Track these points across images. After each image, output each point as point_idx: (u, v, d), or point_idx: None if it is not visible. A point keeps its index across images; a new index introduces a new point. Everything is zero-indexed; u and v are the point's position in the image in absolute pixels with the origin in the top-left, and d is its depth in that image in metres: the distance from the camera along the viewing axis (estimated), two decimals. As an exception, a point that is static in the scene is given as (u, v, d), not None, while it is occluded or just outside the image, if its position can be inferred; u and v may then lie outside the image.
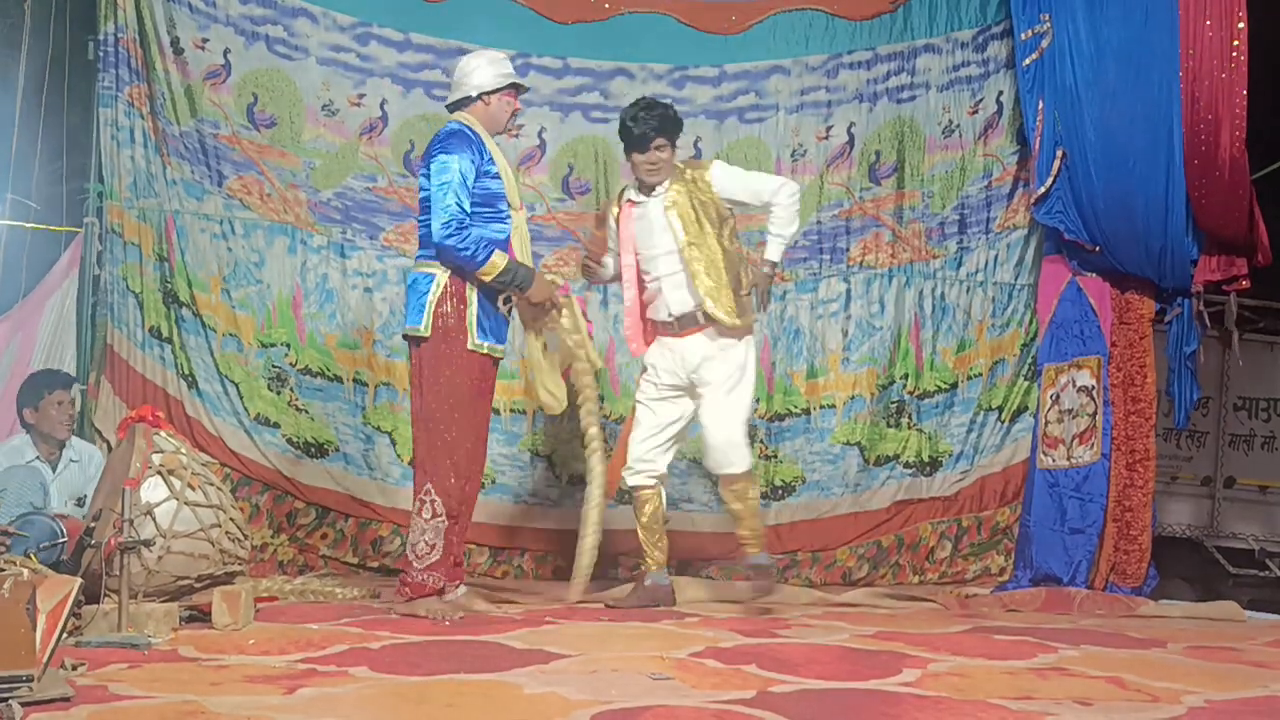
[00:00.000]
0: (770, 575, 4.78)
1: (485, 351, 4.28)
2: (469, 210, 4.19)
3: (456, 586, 4.38)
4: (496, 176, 4.31)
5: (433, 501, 4.18)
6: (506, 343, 4.46)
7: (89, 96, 5.81)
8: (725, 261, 4.69)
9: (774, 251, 4.79)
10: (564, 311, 4.56)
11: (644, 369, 4.90)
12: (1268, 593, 6.86)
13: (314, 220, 6.03)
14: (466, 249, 4.15)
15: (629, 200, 4.83)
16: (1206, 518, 7.37)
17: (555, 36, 6.36)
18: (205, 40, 5.88)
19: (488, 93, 4.35)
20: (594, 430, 4.74)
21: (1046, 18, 6.01)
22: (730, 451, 4.69)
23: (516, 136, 4.67)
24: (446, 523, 4.19)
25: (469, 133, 4.28)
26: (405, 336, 4.36)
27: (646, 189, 4.77)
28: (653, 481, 4.84)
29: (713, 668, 3.15)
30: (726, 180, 4.77)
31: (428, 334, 4.20)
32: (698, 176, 4.75)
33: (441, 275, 4.22)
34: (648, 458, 4.82)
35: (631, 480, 4.86)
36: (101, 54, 5.73)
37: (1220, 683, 3.16)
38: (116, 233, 5.75)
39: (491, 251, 4.18)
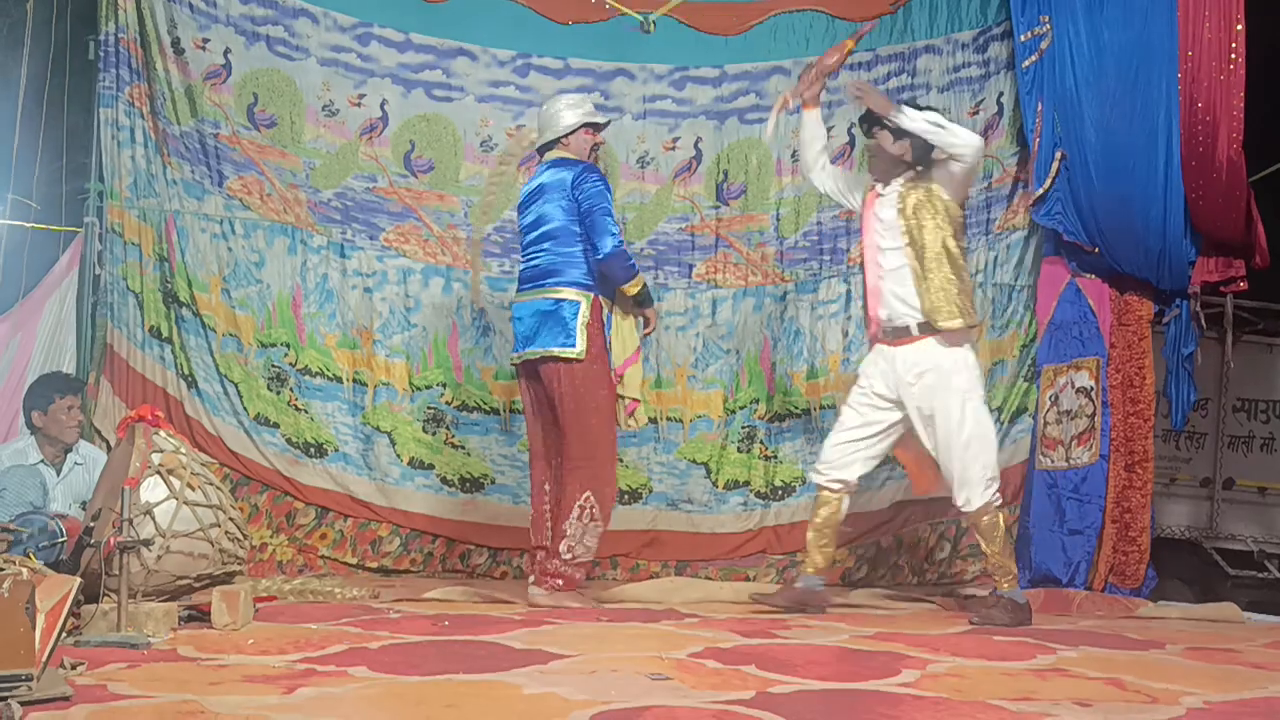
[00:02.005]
0: (1015, 611, 4.42)
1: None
2: None
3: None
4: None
5: (593, 508, 4.52)
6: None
7: (89, 96, 5.82)
8: (937, 264, 4.48)
9: (909, 115, 4.50)
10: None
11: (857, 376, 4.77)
12: (1266, 594, 6.85)
13: (314, 220, 6.04)
14: (631, 261, 4.68)
15: (873, 188, 4.71)
16: (1205, 519, 7.36)
17: (555, 37, 6.37)
18: (206, 40, 5.89)
19: (567, 134, 4.75)
20: None
21: (1046, 19, 6.01)
22: (962, 489, 4.48)
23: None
24: (603, 527, 4.57)
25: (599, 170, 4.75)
26: (549, 359, 4.56)
27: (882, 181, 4.66)
28: (836, 486, 4.64)
29: (712, 668, 3.15)
30: (944, 176, 4.54)
31: (583, 356, 4.53)
32: (929, 180, 4.57)
33: (586, 302, 4.56)
34: (836, 461, 4.63)
35: (814, 478, 4.72)
36: (102, 54, 5.74)
37: (1219, 684, 3.16)
38: (117, 232, 5.75)
39: (639, 268, 4.70)
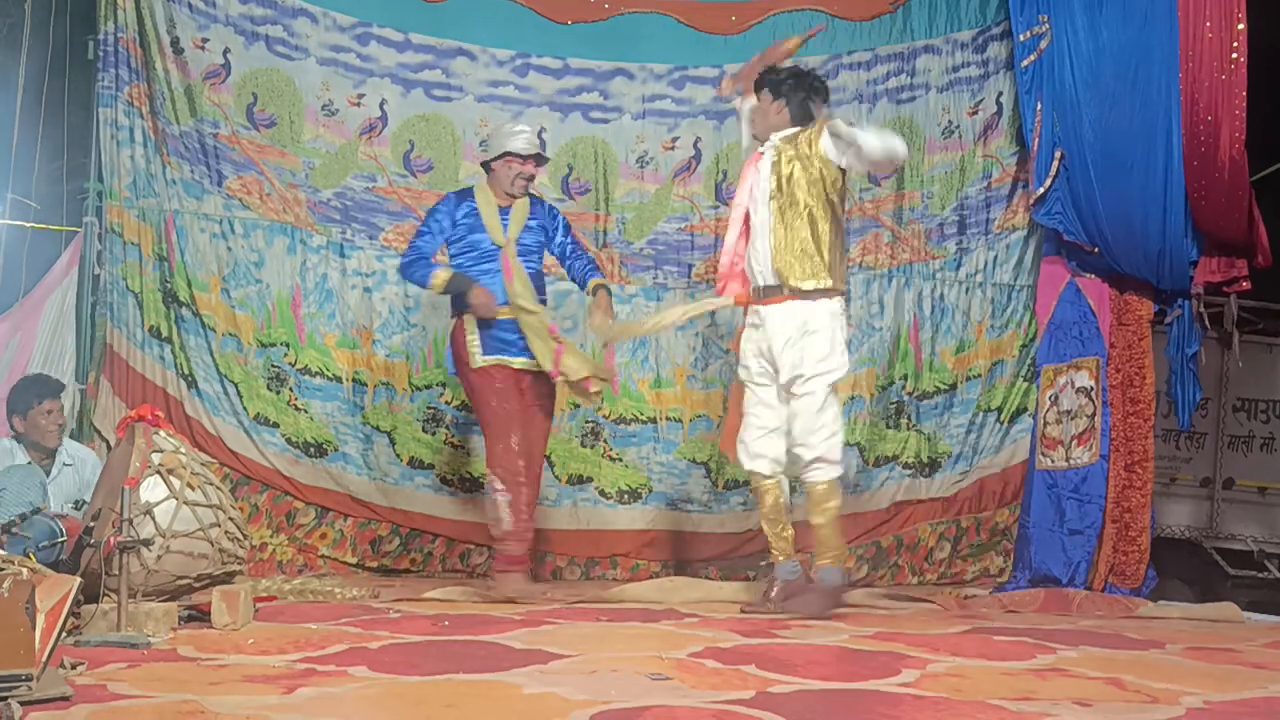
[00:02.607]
0: (829, 593, 4.45)
1: (495, 364, 4.98)
2: (430, 247, 5.10)
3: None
4: (468, 223, 5.06)
5: (494, 480, 4.97)
6: (523, 355, 5.00)
7: (89, 96, 5.81)
8: (808, 223, 4.46)
9: (840, 122, 4.49)
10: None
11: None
12: (1266, 594, 6.85)
13: (314, 220, 6.04)
14: (415, 271, 5.06)
15: (756, 149, 4.73)
16: (1205, 519, 7.36)
17: (555, 37, 6.37)
18: (205, 40, 5.89)
19: (489, 161, 5.13)
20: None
21: (1045, 19, 6.01)
22: (812, 451, 4.41)
23: (517, 197, 5.11)
24: (509, 496, 4.92)
25: (454, 196, 5.19)
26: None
27: (762, 139, 4.68)
28: (769, 469, 4.59)
29: (712, 668, 3.15)
30: (827, 140, 4.49)
31: (452, 373, 5.23)
32: (809, 135, 4.54)
33: (452, 326, 5.09)
34: (754, 449, 4.60)
35: (748, 465, 4.64)
36: (101, 53, 5.73)
37: (1219, 684, 3.16)
38: (116, 232, 5.75)
39: (429, 273, 5.01)
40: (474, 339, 4.98)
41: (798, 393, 4.45)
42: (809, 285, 4.45)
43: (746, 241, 4.64)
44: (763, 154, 4.66)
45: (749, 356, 4.65)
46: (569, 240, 5.26)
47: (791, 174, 4.51)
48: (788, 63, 4.84)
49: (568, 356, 4.99)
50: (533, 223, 5.13)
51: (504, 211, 5.09)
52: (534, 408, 5.10)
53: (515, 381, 5.02)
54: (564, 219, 5.30)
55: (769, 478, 4.65)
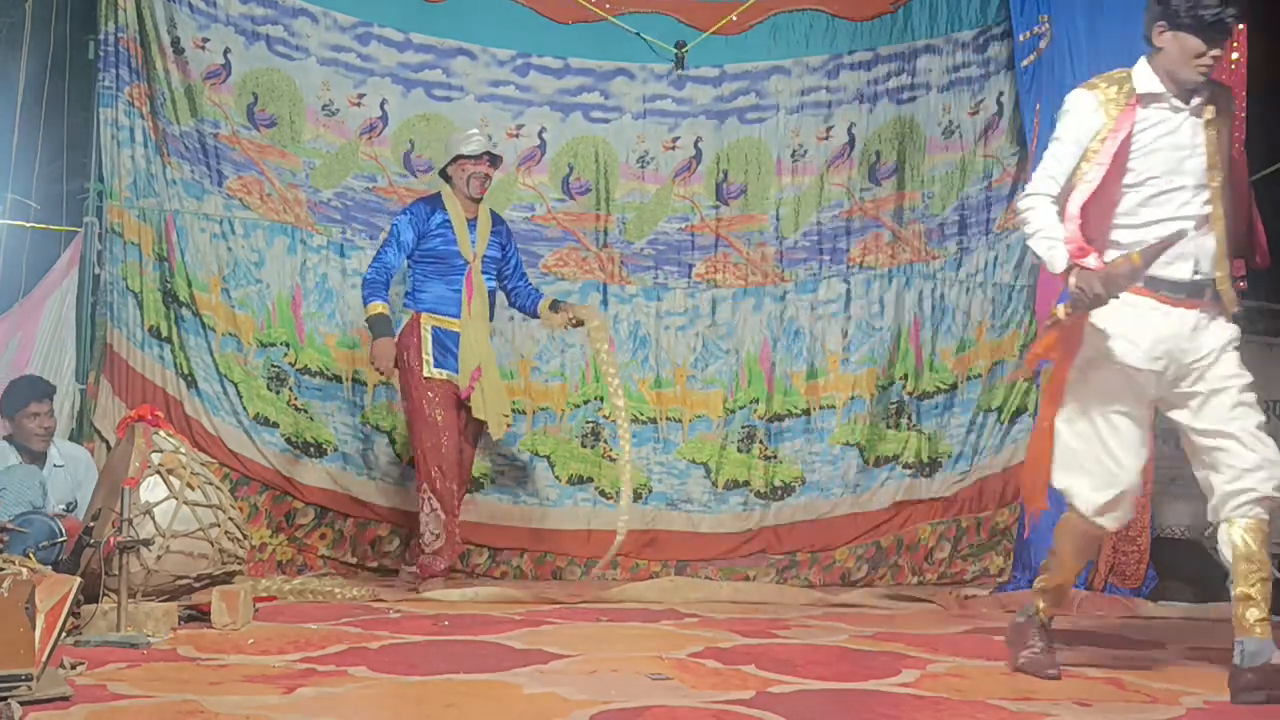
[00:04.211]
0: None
1: (445, 378, 5.15)
2: (395, 263, 5.23)
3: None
4: (441, 235, 5.21)
5: (429, 498, 5.10)
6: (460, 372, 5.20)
7: (89, 96, 5.80)
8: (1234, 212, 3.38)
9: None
10: None
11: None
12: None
13: (314, 220, 6.03)
14: (367, 291, 5.18)
15: (1148, 95, 3.30)
16: (1205, 519, 7.33)
17: (555, 36, 6.36)
18: (205, 40, 5.88)
19: (445, 168, 5.32)
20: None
21: (1045, 19, 6.01)
22: (1258, 478, 3.26)
23: (477, 200, 5.33)
24: (444, 516, 5.08)
25: (425, 202, 5.32)
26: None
27: (1185, 92, 3.29)
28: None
29: (712, 668, 3.15)
30: None
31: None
32: (1229, 97, 3.43)
33: (404, 321, 5.26)
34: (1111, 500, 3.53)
35: (1113, 526, 3.58)
36: (102, 53, 5.72)
37: (1219, 684, 3.16)
38: (116, 232, 5.74)
39: (370, 299, 5.15)
40: (429, 344, 5.16)
41: (1235, 397, 3.45)
42: (1236, 309, 3.49)
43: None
44: (1172, 108, 3.34)
45: (1129, 351, 3.40)
46: (518, 260, 5.56)
47: (1225, 141, 3.44)
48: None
49: (482, 391, 5.17)
50: (494, 239, 5.37)
51: (471, 225, 5.29)
52: (469, 423, 5.27)
53: (457, 395, 5.21)
54: (513, 238, 5.59)
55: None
